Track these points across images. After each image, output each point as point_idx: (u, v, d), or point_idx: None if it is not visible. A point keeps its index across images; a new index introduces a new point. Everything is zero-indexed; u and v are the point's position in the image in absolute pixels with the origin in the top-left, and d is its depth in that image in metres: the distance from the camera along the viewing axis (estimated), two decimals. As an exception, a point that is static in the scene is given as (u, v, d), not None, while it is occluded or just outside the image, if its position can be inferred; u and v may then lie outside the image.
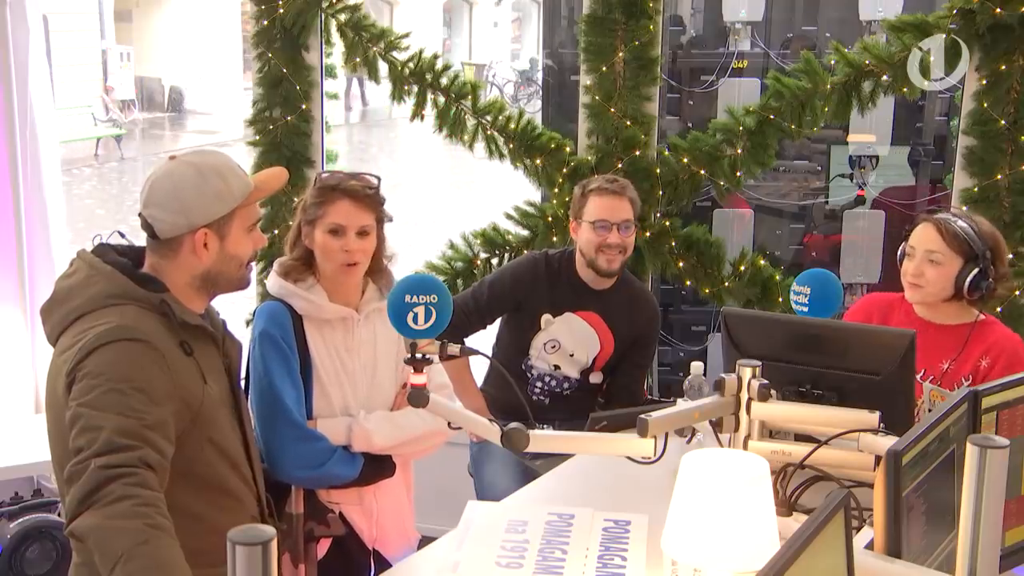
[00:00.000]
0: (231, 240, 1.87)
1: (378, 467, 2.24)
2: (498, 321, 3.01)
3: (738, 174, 3.38)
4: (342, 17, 3.58)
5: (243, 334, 2.19)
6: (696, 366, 2.41)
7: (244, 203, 1.87)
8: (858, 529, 1.64)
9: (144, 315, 1.78)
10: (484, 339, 3.05)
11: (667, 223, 3.46)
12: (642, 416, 1.76)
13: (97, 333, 1.71)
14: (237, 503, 1.90)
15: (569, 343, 2.91)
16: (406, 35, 3.60)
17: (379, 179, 2.29)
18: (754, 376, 1.84)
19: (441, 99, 3.55)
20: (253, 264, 1.96)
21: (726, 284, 3.44)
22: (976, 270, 2.38)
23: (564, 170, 3.47)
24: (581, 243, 2.89)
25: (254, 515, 1.96)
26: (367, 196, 2.23)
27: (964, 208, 3.16)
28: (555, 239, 3.50)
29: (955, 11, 3.06)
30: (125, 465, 1.57)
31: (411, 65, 3.54)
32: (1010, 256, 3.08)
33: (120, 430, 1.60)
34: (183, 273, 1.86)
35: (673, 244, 3.46)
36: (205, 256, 1.86)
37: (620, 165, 3.39)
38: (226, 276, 1.90)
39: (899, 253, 2.53)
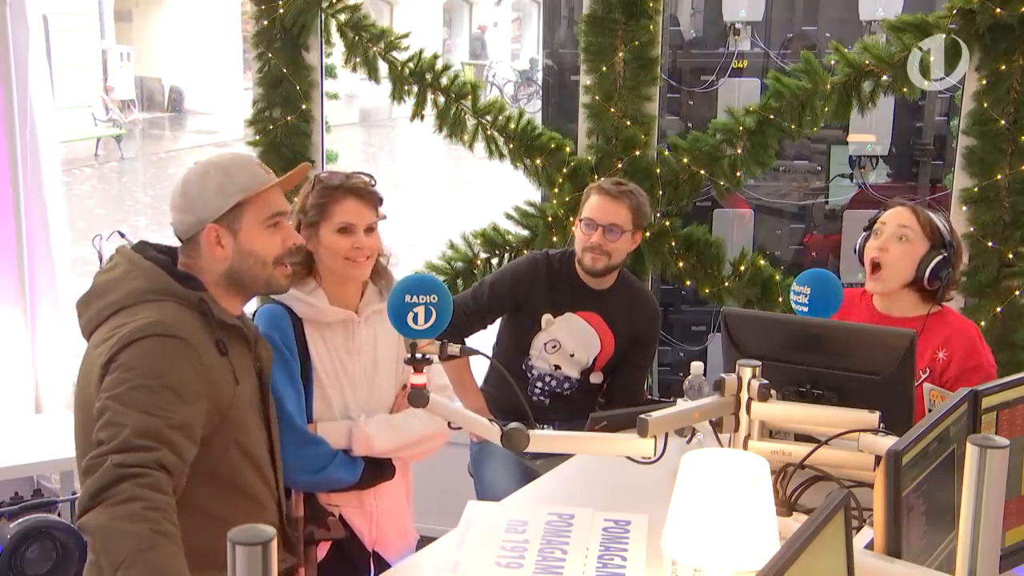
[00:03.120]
0: (244, 236, 1.85)
1: (378, 470, 2.24)
2: (498, 321, 3.01)
3: (738, 174, 3.38)
4: (342, 17, 3.59)
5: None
6: (696, 366, 2.41)
7: (252, 196, 1.85)
8: (858, 529, 1.64)
9: (183, 312, 1.78)
10: (484, 339, 3.05)
11: (667, 223, 3.46)
12: (642, 416, 1.76)
13: (134, 327, 1.71)
14: (259, 507, 1.90)
15: (569, 343, 2.91)
16: (406, 35, 3.60)
17: (372, 177, 2.29)
18: (754, 376, 1.84)
19: (441, 99, 3.55)
20: (286, 265, 1.92)
21: (726, 284, 3.44)
22: (940, 257, 2.41)
23: (564, 170, 3.47)
24: (575, 240, 2.90)
25: (273, 521, 1.96)
26: (371, 193, 2.24)
27: (964, 208, 3.16)
28: (555, 239, 3.50)
29: (955, 11, 3.06)
30: (140, 465, 1.57)
31: (411, 65, 3.54)
32: (1010, 256, 3.10)
33: (141, 430, 1.60)
34: (210, 273, 1.86)
35: (673, 244, 3.46)
36: (222, 254, 1.85)
37: (620, 165, 3.39)
38: (251, 275, 1.87)
39: (859, 241, 2.55)
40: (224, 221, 1.84)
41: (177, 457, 1.63)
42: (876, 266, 2.47)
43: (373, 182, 2.27)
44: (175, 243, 1.94)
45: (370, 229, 2.23)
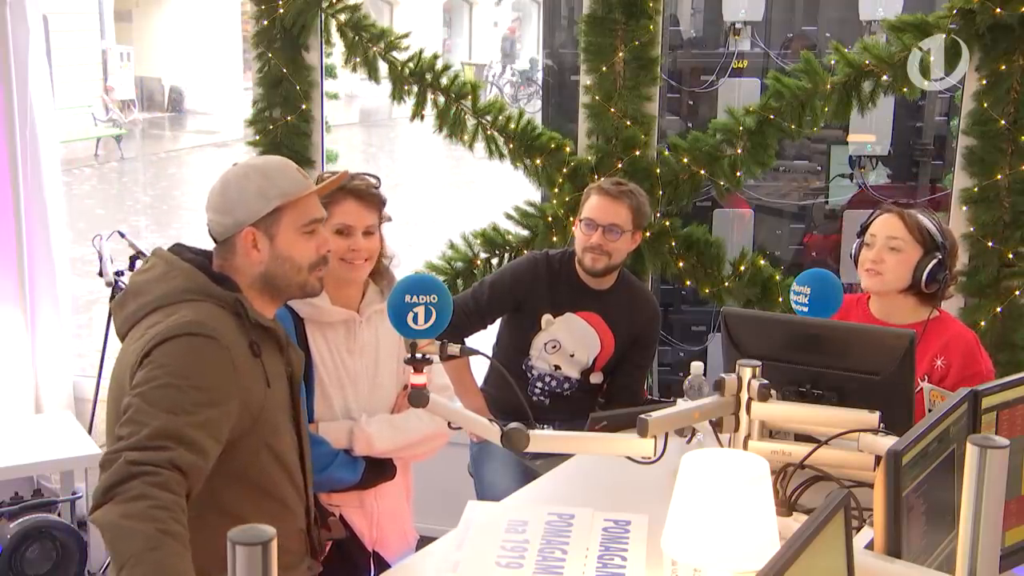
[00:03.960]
0: (281, 240, 1.85)
1: (379, 470, 2.24)
2: (498, 321, 3.01)
3: (738, 174, 3.38)
4: (342, 17, 3.58)
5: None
6: (696, 366, 2.41)
7: (291, 201, 1.84)
8: (858, 529, 1.64)
9: (219, 312, 1.78)
10: (484, 339, 3.05)
11: (667, 223, 3.46)
12: (642, 416, 1.76)
13: (169, 325, 1.72)
14: (288, 512, 1.89)
15: (569, 343, 2.91)
16: (406, 35, 3.60)
17: (378, 179, 2.29)
18: (754, 376, 1.84)
19: (441, 99, 3.55)
20: (322, 271, 1.92)
21: (726, 284, 3.44)
22: (935, 261, 2.41)
23: (564, 170, 3.47)
24: (575, 240, 2.90)
25: (302, 527, 1.96)
26: (371, 195, 2.23)
27: (964, 208, 3.16)
28: (555, 239, 3.50)
29: (955, 11, 3.06)
30: (151, 464, 1.57)
31: (411, 65, 3.54)
32: (1010, 256, 3.10)
33: (160, 429, 1.60)
34: (244, 276, 1.86)
35: (673, 244, 3.46)
36: (257, 257, 1.85)
37: (620, 165, 3.39)
38: (285, 280, 1.88)
39: (854, 248, 2.54)
40: (262, 225, 1.84)
41: (196, 456, 1.62)
42: (873, 272, 2.47)
43: (377, 184, 2.27)
44: (204, 246, 1.94)
45: (369, 231, 2.23)
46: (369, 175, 2.27)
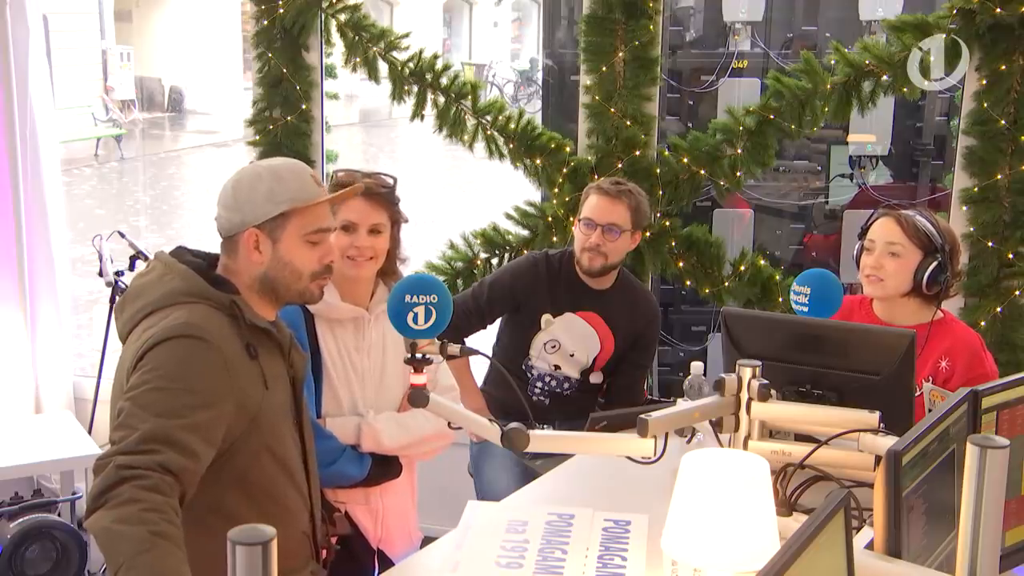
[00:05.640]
0: (284, 245, 1.84)
1: (385, 468, 2.25)
2: (498, 321, 3.02)
3: (738, 174, 3.38)
4: (342, 17, 3.58)
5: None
6: (696, 366, 2.41)
7: (300, 207, 1.84)
8: (858, 529, 1.63)
9: (213, 315, 1.78)
10: (484, 339, 3.05)
11: (667, 223, 3.46)
12: (642, 416, 1.76)
13: (162, 327, 1.72)
14: (289, 515, 1.89)
15: (569, 343, 2.91)
16: (406, 35, 3.60)
17: (395, 179, 2.29)
18: (754, 376, 1.84)
19: (441, 99, 3.55)
20: (324, 280, 1.91)
21: (726, 284, 3.44)
22: (935, 263, 2.40)
23: (564, 170, 3.47)
24: (575, 240, 2.91)
25: (305, 531, 1.95)
26: (380, 194, 2.24)
27: (964, 208, 3.16)
28: (555, 239, 3.50)
29: (955, 11, 3.06)
30: (140, 467, 1.57)
31: (411, 65, 3.54)
32: (1010, 256, 3.10)
33: (149, 433, 1.60)
34: (244, 276, 1.86)
35: (673, 244, 3.46)
36: (258, 259, 1.84)
37: (620, 165, 3.39)
38: (284, 284, 1.87)
39: (856, 250, 2.54)
40: (267, 227, 1.84)
41: (186, 459, 1.62)
42: (874, 279, 2.47)
43: (389, 184, 2.27)
44: (207, 248, 1.95)
45: (375, 230, 2.23)
46: (385, 174, 2.28)
